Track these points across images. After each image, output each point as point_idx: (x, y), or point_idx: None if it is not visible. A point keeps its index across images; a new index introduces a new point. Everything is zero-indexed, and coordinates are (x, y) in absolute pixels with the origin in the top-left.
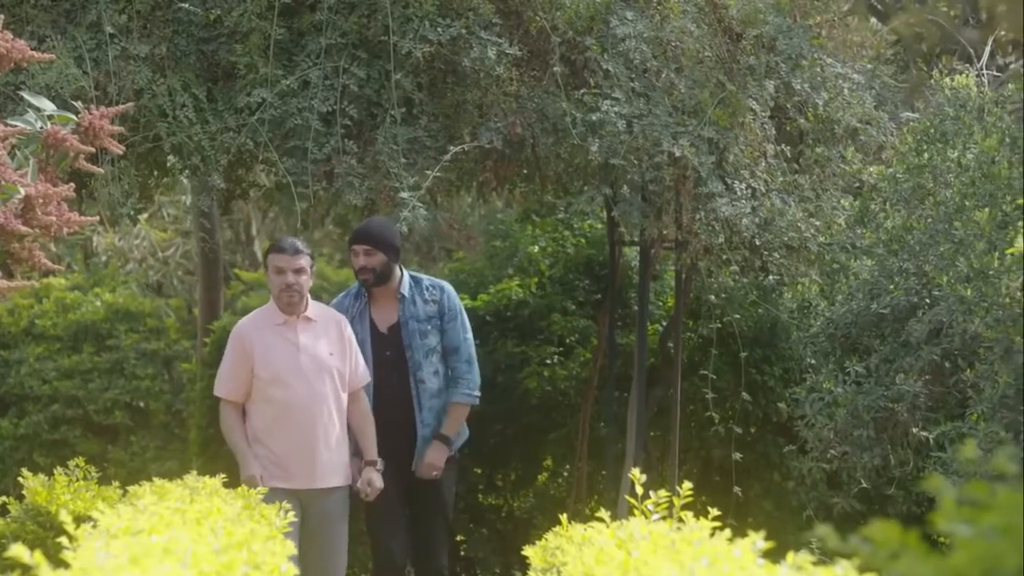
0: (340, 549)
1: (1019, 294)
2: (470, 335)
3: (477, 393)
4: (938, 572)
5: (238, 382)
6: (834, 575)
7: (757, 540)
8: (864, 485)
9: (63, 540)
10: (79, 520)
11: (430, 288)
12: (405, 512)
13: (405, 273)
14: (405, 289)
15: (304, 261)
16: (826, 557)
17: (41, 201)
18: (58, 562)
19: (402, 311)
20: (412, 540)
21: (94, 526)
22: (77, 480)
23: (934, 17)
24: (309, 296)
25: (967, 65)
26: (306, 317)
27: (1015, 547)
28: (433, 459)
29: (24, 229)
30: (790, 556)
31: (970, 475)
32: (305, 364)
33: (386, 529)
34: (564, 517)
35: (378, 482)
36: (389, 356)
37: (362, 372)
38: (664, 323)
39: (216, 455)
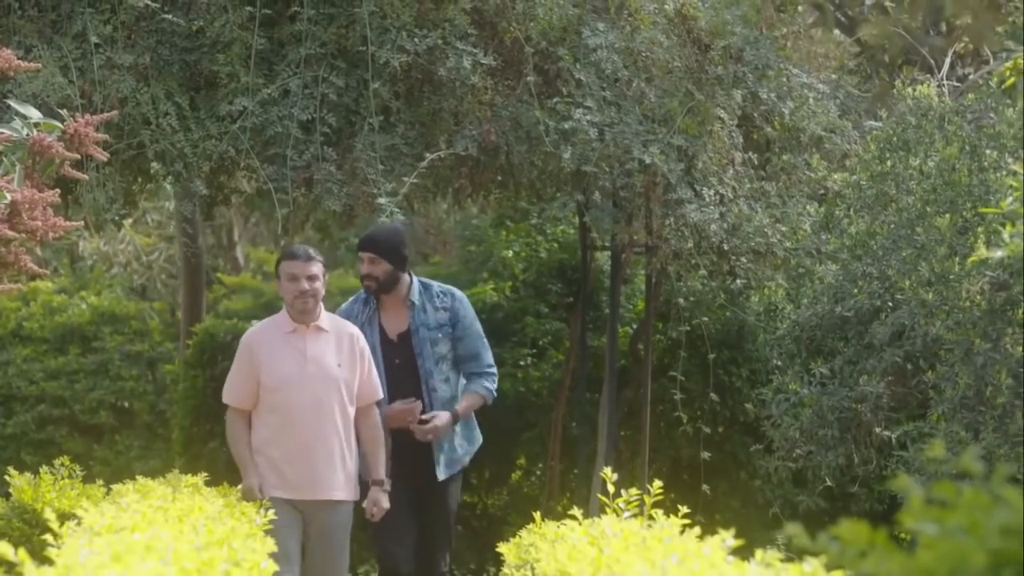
0: (340, 564)
1: (979, 298)
2: (486, 340)
3: (494, 391)
4: (905, 570)
5: (245, 389)
6: (802, 572)
7: (727, 538)
8: (828, 483)
9: (48, 537)
10: (64, 517)
11: (440, 295)
12: (413, 521)
13: (415, 279)
14: (415, 296)
15: (317, 268)
16: (793, 554)
17: (27, 206)
18: (43, 559)
19: (412, 318)
20: (416, 545)
21: (78, 524)
22: (62, 478)
23: (897, 29)
24: (323, 307)
25: (928, 75)
26: (317, 327)
27: (981, 545)
28: (437, 422)
29: (10, 234)
30: (759, 553)
31: (931, 474)
32: (311, 373)
33: (392, 538)
34: (537, 515)
35: (384, 503)
36: (399, 364)
37: (374, 387)
38: (634, 326)
39: (198, 454)
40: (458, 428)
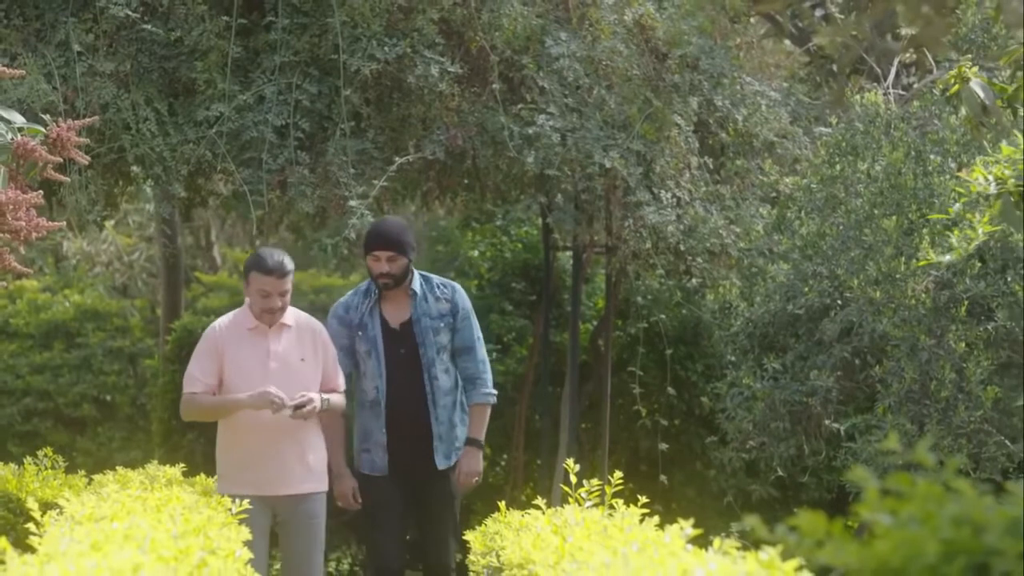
0: (315, 554)
1: (924, 296)
2: (481, 335)
3: (494, 392)
4: (861, 560)
5: (209, 380)
6: (759, 560)
7: (686, 527)
8: (780, 473)
9: (32, 526)
10: (47, 507)
11: (441, 287)
12: (406, 516)
13: (414, 270)
14: (416, 286)
15: (289, 283)
16: (748, 542)
17: (11, 207)
18: (26, 547)
19: (415, 308)
20: (421, 537)
21: (60, 513)
22: (45, 469)
23: (847, 39)
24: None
25: (875, 84)
26: (280, 324)
27: (934, 535)
28: (471, 466)
29: None
30: (716, 542)
31: (878, 464)
32: (274, 368)
33: (384, 532)
34: (502, 504)
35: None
36: (403, 353)
37: (330, 377)
38: (595, 323)
39: (177, 446)
40: (458, 420)
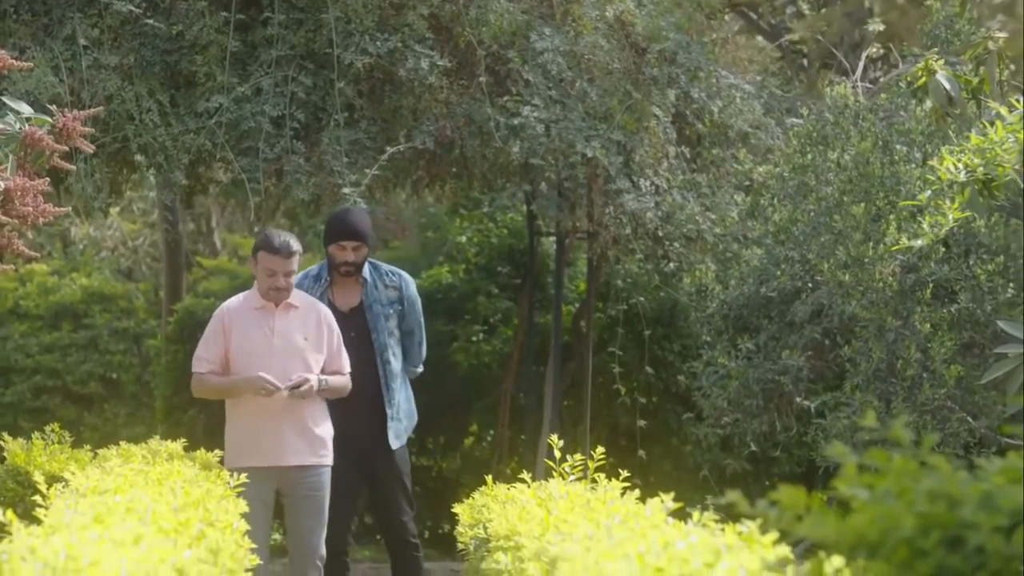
0: (318, 527)
1: (891, 279)
2: (422, 321)
3: (420, 369)
4: (840, 533)
5: (214, 359)
6: (738, 533)
7: (666, 501)
8: (753, 448)
9: (39, 498)
10: (53, 480)
11: (389, 274)
12: (355, 494)
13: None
14: (366, 273)
15: (295, 263)
16: (723, 515)
17: (19, 193)
18: (33, 518)
19: (365, 295)
20: (379, 514)
21: (66, 486)
22: (53, 443)
23: (817, 35)
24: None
25: (844, 78)
26: (286, 303)
27: (909, 509)
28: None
29: (3, 219)
30: (696, 515)
31: (846, 440)
32: (277, 346)
33: (332, 509)
34: (489, 478)
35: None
36: (353, 337)
37: (333, 359)
38: (577, 305)
39: (178, 421)
40: (403, 402)
